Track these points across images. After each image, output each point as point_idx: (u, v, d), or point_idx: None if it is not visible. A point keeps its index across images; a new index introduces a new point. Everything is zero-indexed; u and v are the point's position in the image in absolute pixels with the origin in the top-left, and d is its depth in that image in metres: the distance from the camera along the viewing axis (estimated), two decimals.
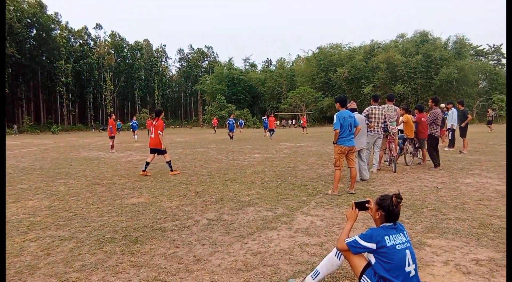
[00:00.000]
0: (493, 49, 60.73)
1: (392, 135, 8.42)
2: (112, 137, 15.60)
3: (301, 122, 31.89)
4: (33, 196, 6.23)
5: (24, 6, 55.60)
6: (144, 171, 8.40)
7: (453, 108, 12.13)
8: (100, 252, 3.50)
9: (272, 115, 25.86)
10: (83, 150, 16.71)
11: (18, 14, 52.03)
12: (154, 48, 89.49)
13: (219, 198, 5.82)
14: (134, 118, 28.21)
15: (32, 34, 58.71)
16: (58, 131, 49.63)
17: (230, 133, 21.28)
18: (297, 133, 30.19)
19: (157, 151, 8.53)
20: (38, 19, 57.37)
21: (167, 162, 8.61)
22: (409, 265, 2.20)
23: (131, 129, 26.53)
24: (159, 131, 8.42)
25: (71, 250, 3.58)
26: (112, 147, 15.46)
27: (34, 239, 3.92)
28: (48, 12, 61.31)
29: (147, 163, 8.49)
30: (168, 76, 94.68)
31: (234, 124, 22.53)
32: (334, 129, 5.97)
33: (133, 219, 4.65)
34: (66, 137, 32.44)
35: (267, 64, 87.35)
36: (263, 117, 25.73)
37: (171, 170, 8.54)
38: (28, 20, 56.20)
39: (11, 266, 3.19)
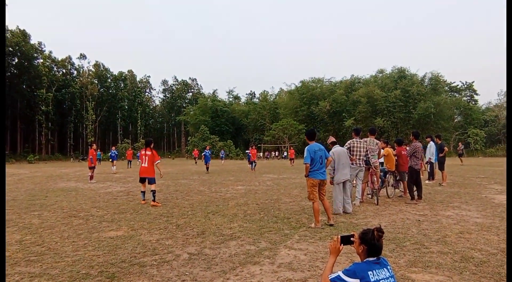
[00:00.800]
0: (465, 86, 64.02)
1: (374, 168, 8.55)
2: (92, 168, 15.22)
3: (284, 154, 31.45)
4: None
5: (8, 35, 55.44)
6: (153, 201, 8.47)
7: (431, 142, 12.50)
8: None
9: (253, 147, 25.57)
10: (61, 180, 16.18)
11: None
12: (138, 79, 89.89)
13: (200, 231, 5.68)
14: (114, 148, 26.48)
15: (14, 63, 58.18)
16: (35, 161, 48.12)
17: (206, 165, 21.01)
18: (280, 165, 30.27)
19: (148, 179, 8.80)
20: (20, 48, 57.12)
21: (152, 191, 8.58)
22: None
23: (110, 160, 25.22)
24: (158, 161, 8.93)
25: None
26: (91, 177, 15.03)
27: None
28: (32, 42, 61.31)
29: (143, 192, 8.88)
30: (151, 107, 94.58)
31: (210, 156, 22.03)
32: (305, 163, 6.02)
33: (110, 254, 4.46)
34: (43, 167, 31.40)
35: (250, 96, 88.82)
36: (247, 151, 25.22)
37: (153, 200, 8.44)
38: (11, 49, 55.81)
39: None
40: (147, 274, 3.73)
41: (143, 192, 8.87)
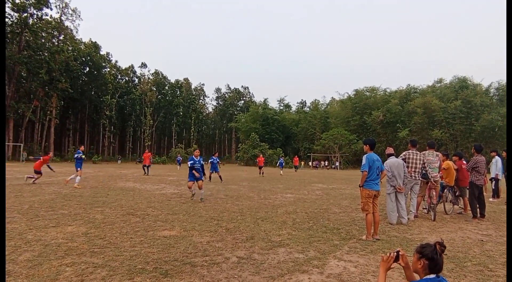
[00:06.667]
0: None
1: (433, 182, 8.07)
2: (38, 173, 13.94)
3: (336, 164, 28.82)
4: (72, 222, 6.48)
5: (81, 47, 61.07)
6: None
7: (497, 156, 11.54)
8: None
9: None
10: (120, 180, 17.30)
11: (75, 54, 56.97)
12: (193, 87, 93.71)
13: (249, 236, 5.76)
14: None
15: (85, 71, 63.90)
16: (98, 161, 51.93)
17: (211, 174, 18.09)
18: (330, 175, 29.65)
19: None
20: (92, 58, 62.63)
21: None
22: None
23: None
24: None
25: (103, 278, 3.64)
26: (31, 178, 13.98)
27: (70, 264, 4.04)
28: (101, 52, 66.92)
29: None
30: (204, 114, 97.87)
31: (218, 164, 18.53)
32: (363, 171, 5.87)
33: (164, 252, 4.69)
34: (105, 168, 33.80)
35: (301, 105, 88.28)
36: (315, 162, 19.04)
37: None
38: (83, 59, 61.46)
39: None
40: (198, 274, 3.87)
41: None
